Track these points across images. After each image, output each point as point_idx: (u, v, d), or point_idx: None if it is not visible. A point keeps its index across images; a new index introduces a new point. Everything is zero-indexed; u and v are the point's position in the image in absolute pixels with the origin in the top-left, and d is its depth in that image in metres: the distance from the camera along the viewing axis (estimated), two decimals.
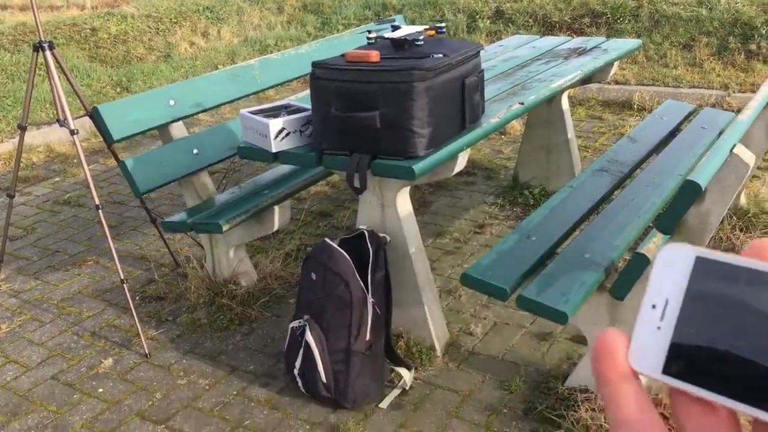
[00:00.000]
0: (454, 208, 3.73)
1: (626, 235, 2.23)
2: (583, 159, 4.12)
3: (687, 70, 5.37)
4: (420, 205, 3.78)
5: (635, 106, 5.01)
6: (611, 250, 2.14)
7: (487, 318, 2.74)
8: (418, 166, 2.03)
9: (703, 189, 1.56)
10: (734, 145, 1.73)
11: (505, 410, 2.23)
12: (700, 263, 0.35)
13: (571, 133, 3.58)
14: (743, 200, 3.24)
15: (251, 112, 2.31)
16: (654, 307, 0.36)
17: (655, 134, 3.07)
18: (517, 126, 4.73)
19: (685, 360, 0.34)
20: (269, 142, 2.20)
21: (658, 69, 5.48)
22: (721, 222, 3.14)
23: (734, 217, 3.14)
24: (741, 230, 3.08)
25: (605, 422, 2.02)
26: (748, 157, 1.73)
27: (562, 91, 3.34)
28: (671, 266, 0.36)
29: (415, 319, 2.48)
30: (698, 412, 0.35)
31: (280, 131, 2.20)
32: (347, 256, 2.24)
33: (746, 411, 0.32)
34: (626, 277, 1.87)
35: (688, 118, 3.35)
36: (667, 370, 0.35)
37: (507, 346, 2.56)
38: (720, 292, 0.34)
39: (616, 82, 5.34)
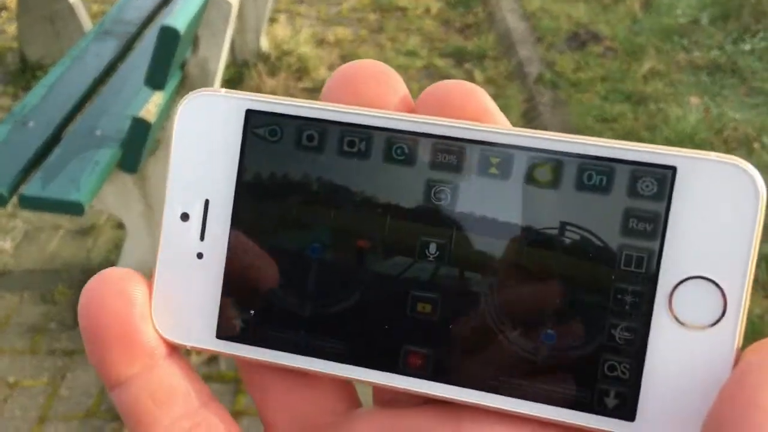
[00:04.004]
0: None
1: (140, 101, 2.02)
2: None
3: None
4: None
5: None
6: (124, 121, 1.92)
7: (17, 227, 2.35)
8: None
9: (182, 34, 1.41)
10: None
11: (52, 324, 1.96)
12: (257, 122, 0.20)
13: None
14: (265, 45, 3.28)
15: None
16: (185, 218, 0.21)
17: None
18: None
19: (252, 308, 0.20)
20: None
21: None
22: (249, 69, 3.15)
23: (259, 64, 3.17)
24: (268, 75, 3.13)
25: None
26: None
27: None
28: (205, 134, 0.20)
29: None
30: (283, 392, 0.21)
31: None
32: None
33: (356, 376, 0.20)
34: (130, 147, 1.69)
35: None
36: (224, 332, 0.21)
37: (45, 254, 2.23)
38: (296, 174, 0.20)
39: None
